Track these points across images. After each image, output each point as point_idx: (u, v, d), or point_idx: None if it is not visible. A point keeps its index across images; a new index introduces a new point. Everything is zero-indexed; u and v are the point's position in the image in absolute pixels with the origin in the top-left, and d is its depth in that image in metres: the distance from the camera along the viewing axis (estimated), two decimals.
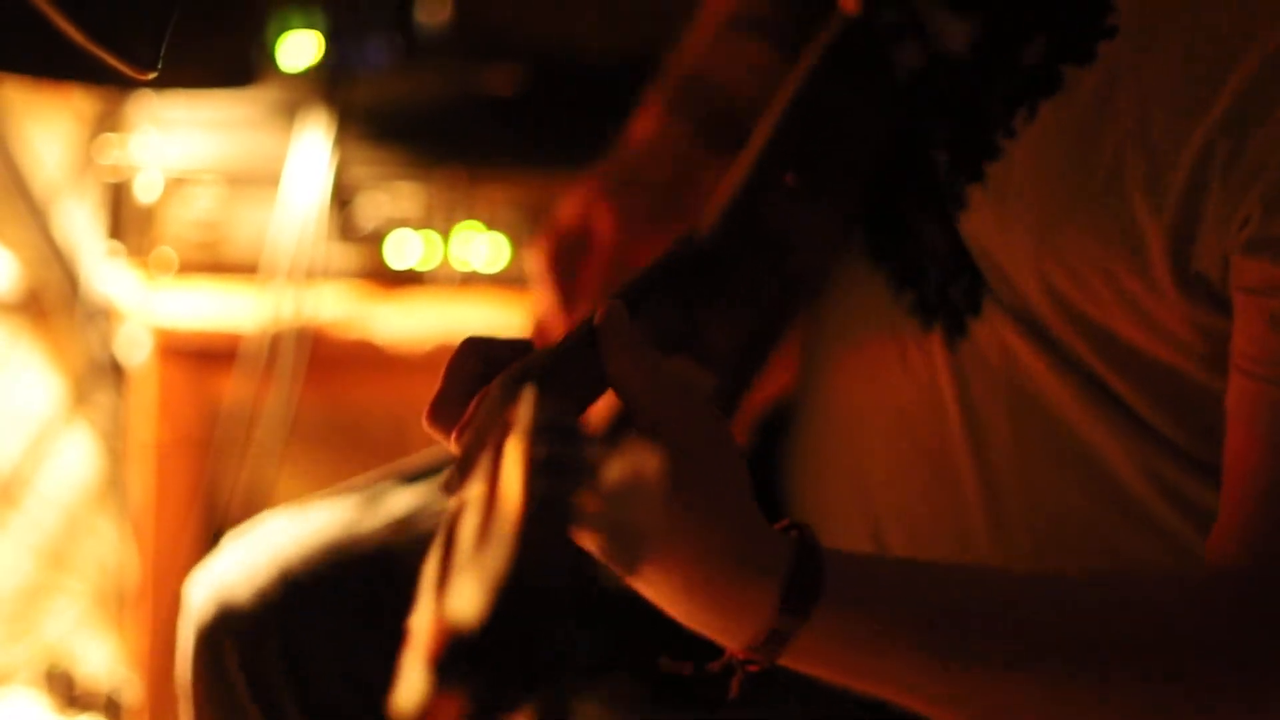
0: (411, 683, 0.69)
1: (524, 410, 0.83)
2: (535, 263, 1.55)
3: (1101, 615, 1.04)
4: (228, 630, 1.40)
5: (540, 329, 1.53)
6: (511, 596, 0.68)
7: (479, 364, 1.00)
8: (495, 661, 0.68)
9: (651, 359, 0.98)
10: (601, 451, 0.79)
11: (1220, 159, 1.07)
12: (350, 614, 1.40)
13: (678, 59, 1.62)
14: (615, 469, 0.78)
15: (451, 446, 0.99)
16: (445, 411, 0.99)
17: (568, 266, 1.53)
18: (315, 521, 1.46)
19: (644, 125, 1.60)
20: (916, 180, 1.26)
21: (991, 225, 1.20)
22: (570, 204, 1.56)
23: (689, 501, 0.94)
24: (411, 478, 1.55)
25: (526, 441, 0.78)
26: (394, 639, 1.38)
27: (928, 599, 1.02)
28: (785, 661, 0.98)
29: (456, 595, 0.71)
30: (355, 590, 1.41)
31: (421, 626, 0.72)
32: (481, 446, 0.90)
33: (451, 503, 0.89)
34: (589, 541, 0.80)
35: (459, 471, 0.93)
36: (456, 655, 0.68)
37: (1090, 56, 1.15)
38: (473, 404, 0.98)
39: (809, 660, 0.99)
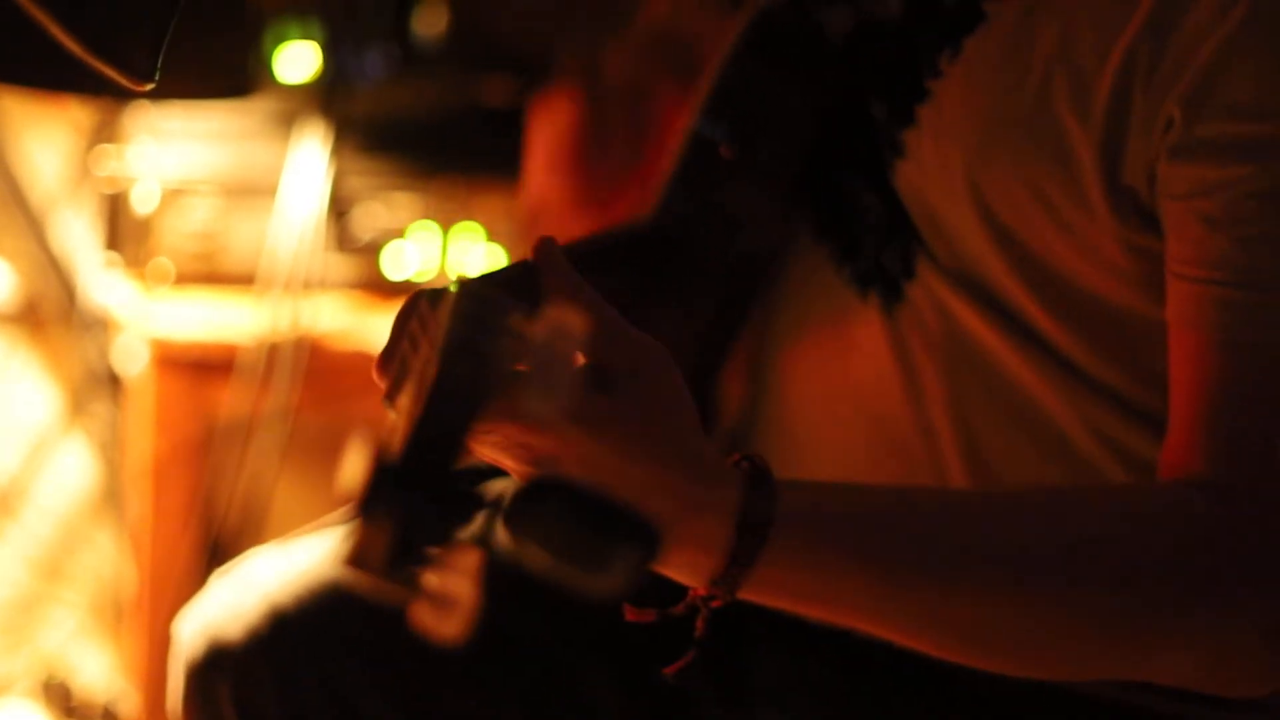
0: (347, 532, 0.74)
1: (447, 301, 0.86)
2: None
3: (1065, 526, 1.02)
4: (219, 667, 1.39)
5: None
6: (427, 423, 0.74)
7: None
8: (413, 485, 0.73)
9: (591, 291, 0.98)
10: (527, 313, 0.82)
11: (1141, 65, 1.08)
12: (341, 649, 1.39)
13: None
14: (538, 326, 0.81)
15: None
16: (391, 358, 0.98)
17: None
18: (303, 557, 1.46)
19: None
20: (853, 142, 1.27)
21: (928, 165, 1.21)
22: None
23: (638, 433, 0.94)
24: None
25: (454, 300, 0.82)
26: (385, 673, 1.38)
27: (885, 516, 1.01)
28: (748, 594, 0.98)
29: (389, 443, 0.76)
30: (345, 625, 1.40)
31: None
32: (415, 349, 0.90)
33: (390, 415, 0.90)
34: (512, 395, 0.81)
35: (394, 379, 0.93)
36: (379, 484, 0.73)
37: None
38: None
39: (771, 591, 0.98)
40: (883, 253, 1.24)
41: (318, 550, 1.46)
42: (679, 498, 0.95)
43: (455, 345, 0.78)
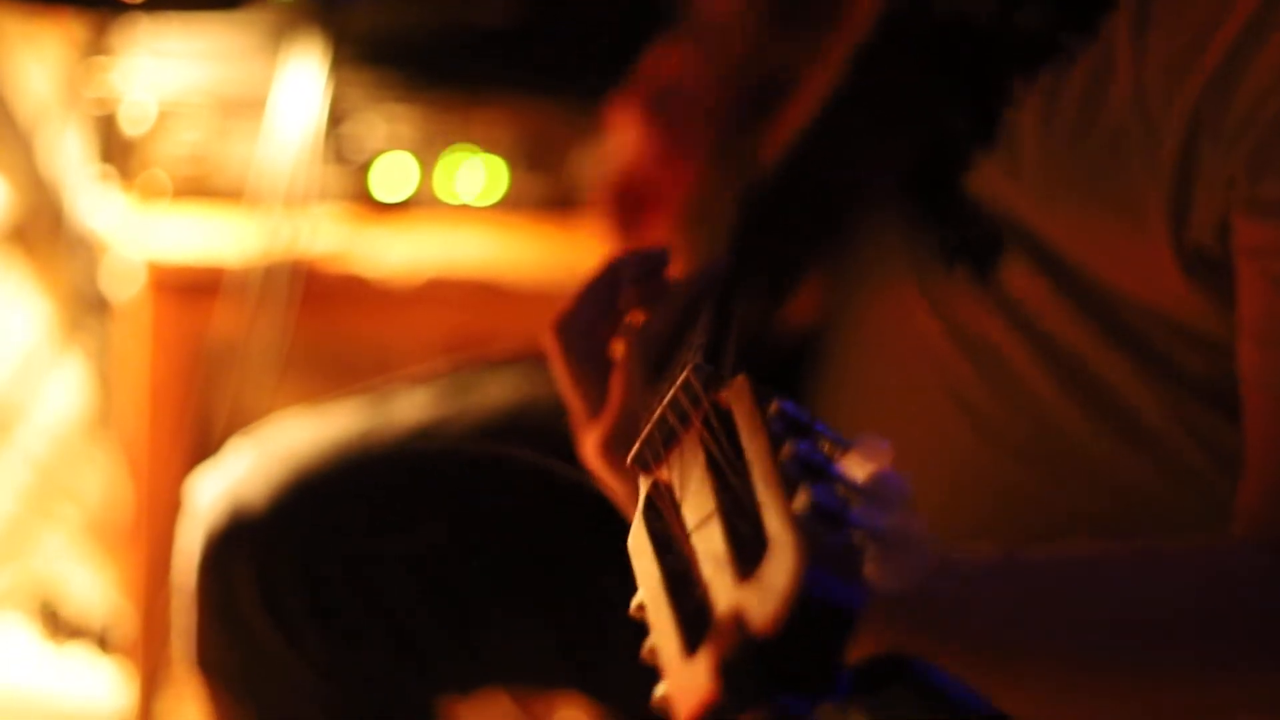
0: (688, 676, 0.71)
1: (742, 399, 0.81)
2: (625, 112, 1.50)
3: (1157, 593, 1.03)
4: (240, 531, 1.37)
5: (632, 177, 1.49)
6: (808, 611, 0.68)
7: (615, 284, 1.04)
8: (787, 671, 0.69)
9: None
10: (838, 443, 0.77)
11: (1208, 119, 1.07)
12: (367, 518, 1.38)
13: None
14: (854, 466, 0.75)
15: (564, 367, 1.03)
16: (577, 326, 1.03)
17: (665, 115, 1.48)
18: (329, 423, 1.44)
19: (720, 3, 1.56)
20: (932, 133, 1.24)
21: (1000, 185, 1.19)
22: (657, 61, 1.51)
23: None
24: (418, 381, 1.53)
25: (770, 444, 0.76)
26: (409, 548, 1.37)
27: (1012, 592, 1.01)
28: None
29: (738, 597, 0.71)
30: (373, 495, 1.39)
31: (661, 621, 0.74)
32: (685, 424, 0.87)
33: (643, 480, 0.89)
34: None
35: (654, 446, 0.90)
36: (748, 658, 0.69)
37: (1091, 28, 1.14)
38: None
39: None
40: (970, 231, 1.22)
41: (344, 417, 1.44)
42: None
43: (816, 524, 0.71)
